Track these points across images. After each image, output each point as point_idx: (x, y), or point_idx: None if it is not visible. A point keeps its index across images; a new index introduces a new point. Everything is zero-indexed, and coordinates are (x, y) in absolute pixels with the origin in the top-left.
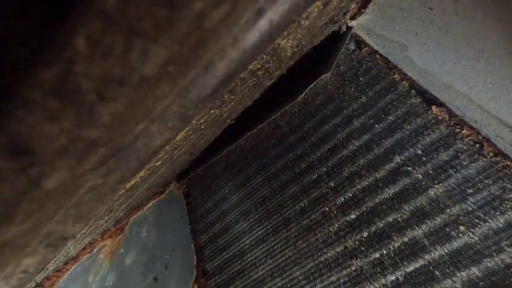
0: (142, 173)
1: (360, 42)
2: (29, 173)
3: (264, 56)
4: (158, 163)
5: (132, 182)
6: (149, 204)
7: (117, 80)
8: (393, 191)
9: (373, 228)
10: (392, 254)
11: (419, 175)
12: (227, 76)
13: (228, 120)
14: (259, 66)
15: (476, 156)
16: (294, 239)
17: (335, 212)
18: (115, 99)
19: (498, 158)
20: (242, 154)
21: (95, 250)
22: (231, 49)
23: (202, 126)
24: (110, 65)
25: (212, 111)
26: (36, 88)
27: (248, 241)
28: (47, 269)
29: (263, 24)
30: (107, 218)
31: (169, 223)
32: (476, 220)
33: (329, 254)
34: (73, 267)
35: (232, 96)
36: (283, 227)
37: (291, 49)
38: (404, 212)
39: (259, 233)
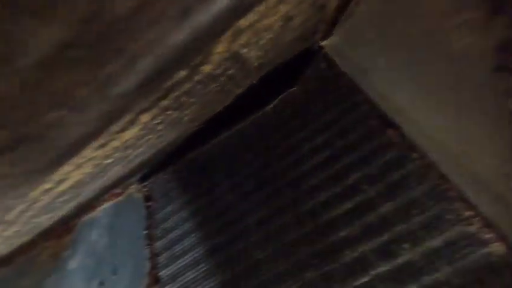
0: (87, 169)
1: (330, 62)
2: None
3: (222, 62)
4: (109, 161)
5: (76, 179)
6: (104, 206)
7: (4, 59)
8: (348, 207)
9: (327, 242)
10: (342, 268)
11: (372, 193)
12: (154, 73)
13: (194, 124)
14: (219, 72)
15: (423, 178)
16: (250, 250)
17: (293, 224)
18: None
19: (441, 182)
20: (208, 160)
21: (34, 252)
22: (157, 46)
23: (159, 127)
24: None
25: (168, 112)
26: None
27: (205, 250)
28: None
29: (190, 25)
30: (47, 216)
31: (124, 226)
32: (419, 239)
33: (282, 266)
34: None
35: (192, 100)
36: (242, 236)
37: (256, 60)
38: (356, 228)
39: (218, 241)
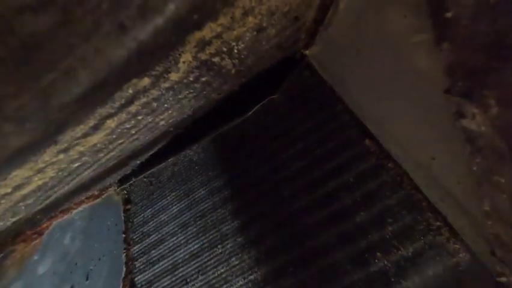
0: (50, 174)
1: (312, 71)
2: None
3: (192, 70)
4: (76, 164)
5: (39, 183)
6: (80, 208)
7: None
8: (325, 214)
9: (303, 249)
10: (317, 276)
11: (349, 201)
12: (99, 85)
13: (171, 129)
14: (191, 79)
15: (397, 188)
16: (227, 256)
17: (270, 231)
18: None
19: (413, 192)
20: (189, 164)
21: (0, 255)
22: (94, 59)
23: (133, 131)
24: None
25: (140, 118)
26: None
27: (182, 255)
28: None
29: (128, 40)
30: (12, 219)
31: (101, 230)
32: (391, 247)
33: (259, 273)
34: None
35: (166, 105)
36: (219, 242)
37: (233, 67)
38: (332, 235)
39: (195, 247)
